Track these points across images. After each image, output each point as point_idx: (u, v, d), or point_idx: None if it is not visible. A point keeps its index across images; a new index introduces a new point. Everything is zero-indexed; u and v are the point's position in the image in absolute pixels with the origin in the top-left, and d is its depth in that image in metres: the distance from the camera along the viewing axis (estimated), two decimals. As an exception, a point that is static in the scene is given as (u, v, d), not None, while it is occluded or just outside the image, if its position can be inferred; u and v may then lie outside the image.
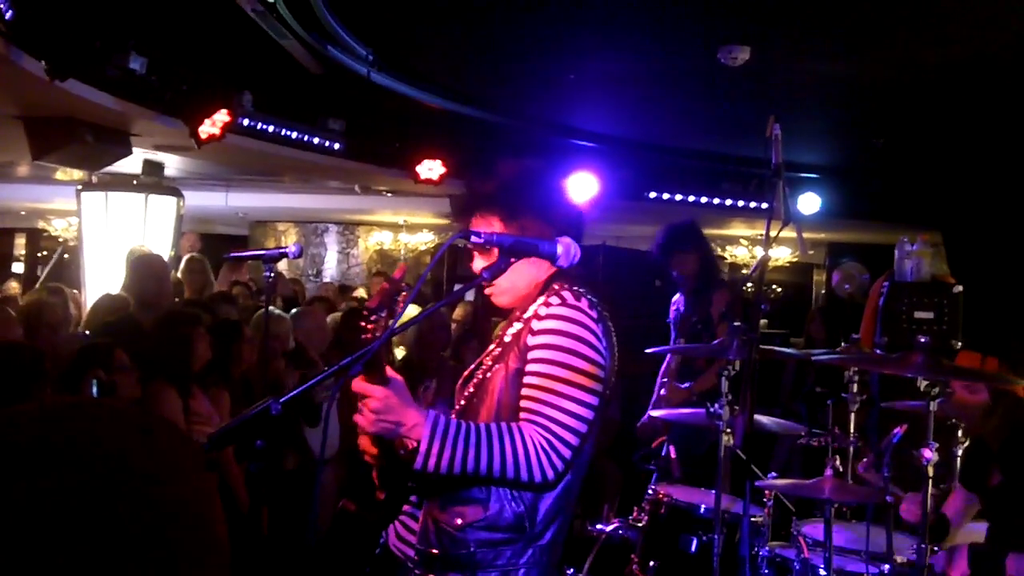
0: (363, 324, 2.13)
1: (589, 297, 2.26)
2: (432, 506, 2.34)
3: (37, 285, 8.81)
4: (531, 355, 2.22)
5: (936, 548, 3.20)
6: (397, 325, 2.17)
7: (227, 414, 4.37)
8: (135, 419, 0.82)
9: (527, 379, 2.21)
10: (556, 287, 2.27)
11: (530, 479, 2.13)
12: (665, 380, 5.30)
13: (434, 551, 2.29)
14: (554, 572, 2.36)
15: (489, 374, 2.33)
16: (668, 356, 5.37)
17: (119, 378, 3.66)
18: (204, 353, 4.31)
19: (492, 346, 2.43)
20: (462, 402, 2.39)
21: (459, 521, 2.25)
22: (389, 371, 2.12)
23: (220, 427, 2.63)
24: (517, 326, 2.33)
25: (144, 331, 4.53)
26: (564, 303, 2.24)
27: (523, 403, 2.20)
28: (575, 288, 2.26)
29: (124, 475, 0.76)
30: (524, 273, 2.34)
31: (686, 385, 5.13)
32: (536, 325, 2.24)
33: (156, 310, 4.96)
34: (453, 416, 2.29)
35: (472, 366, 2.46)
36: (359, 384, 2.09)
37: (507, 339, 2.33)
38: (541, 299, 2.29)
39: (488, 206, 2.37)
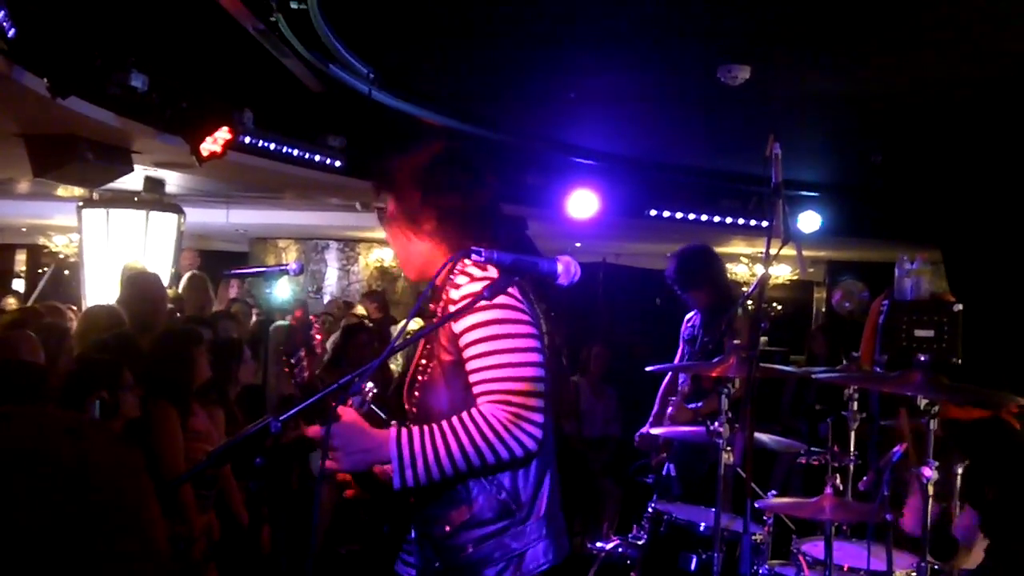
0: (287, 369, 2.13)
1: (496, 261, 2.13)
2: (419, 523, 2.32)
3: (31, 300, 8.80)
4: (463, 340, 2.19)
5: (937, 566, 3.19)
6: (399, 341, 2.17)
7: (223, 432, 4.36)
8: (66, 424, 0.82)
9: (470, 364, 2.17)
10: (461, 267, 2.22)
11: (511, 456, 2.09)
12: (672, 398, 5.27)
13: (436, 565, 2.27)
14: (563, 534, 2.31)
15: (427, 375, 2.30)
16: (669, 374, 5.34)
17: (122, 397, 3.64)
18: (204, 372, 4.31)
19: (420, 342, 2.38)
20: (414, 409, 2.34)
21: (448, 528, 2.22)
22: (340, 409, 2.10)
23: (219, 444, 2.63)
24: (433, 317, 2.30)
25: (140, 348, 4.52)
26: (473, 279, 2.21)
27: (476, 388, 2.16)
28: (476, 258, 2.11)
29: (56, 477, 0.76)
30: (439, 250, 2.34)
31: (695, 406, 5.10)
32: (455, 310, 2.19)
33: (151, 330, 4.93)
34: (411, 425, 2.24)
35: (411, 370, 2.41)
36: (312, 432, 2.08)
37: (431, 332, 2.30)
38: (450, 280, 2.25)
39: (414, 178, 2.37)
